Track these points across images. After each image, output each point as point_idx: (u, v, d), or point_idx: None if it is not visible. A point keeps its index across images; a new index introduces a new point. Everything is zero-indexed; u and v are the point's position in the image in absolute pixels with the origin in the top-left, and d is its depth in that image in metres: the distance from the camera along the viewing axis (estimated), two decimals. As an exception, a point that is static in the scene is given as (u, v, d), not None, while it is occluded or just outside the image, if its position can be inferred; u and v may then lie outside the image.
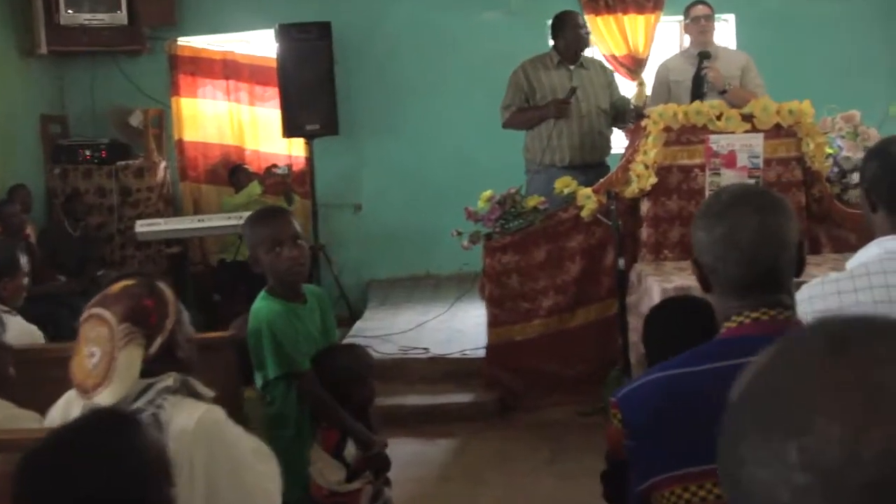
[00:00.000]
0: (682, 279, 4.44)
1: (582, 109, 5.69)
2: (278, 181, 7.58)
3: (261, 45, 8.18)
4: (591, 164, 5.71)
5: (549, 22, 7.85)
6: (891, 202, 2.12)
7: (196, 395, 2.09)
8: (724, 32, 8.18)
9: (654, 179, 4.87)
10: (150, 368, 2.09)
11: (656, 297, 4.32)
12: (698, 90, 5.48)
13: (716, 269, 1.68)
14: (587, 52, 6.22)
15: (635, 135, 5.16)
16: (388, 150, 8.03)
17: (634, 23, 7.93)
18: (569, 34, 5.78)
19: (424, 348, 5.68)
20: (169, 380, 2.07)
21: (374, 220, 8.08)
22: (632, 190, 4.96)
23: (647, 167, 4.89)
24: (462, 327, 6.09)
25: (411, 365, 5.41)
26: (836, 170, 5.12)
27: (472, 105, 7.86)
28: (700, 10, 5.65)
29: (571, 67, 5.80)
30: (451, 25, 7.93)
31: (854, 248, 2.37)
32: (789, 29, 7.85)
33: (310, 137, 7.62)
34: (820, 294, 2.09)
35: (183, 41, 7.95)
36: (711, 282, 1.71)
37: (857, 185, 4.87)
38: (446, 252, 6.76)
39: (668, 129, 4.88)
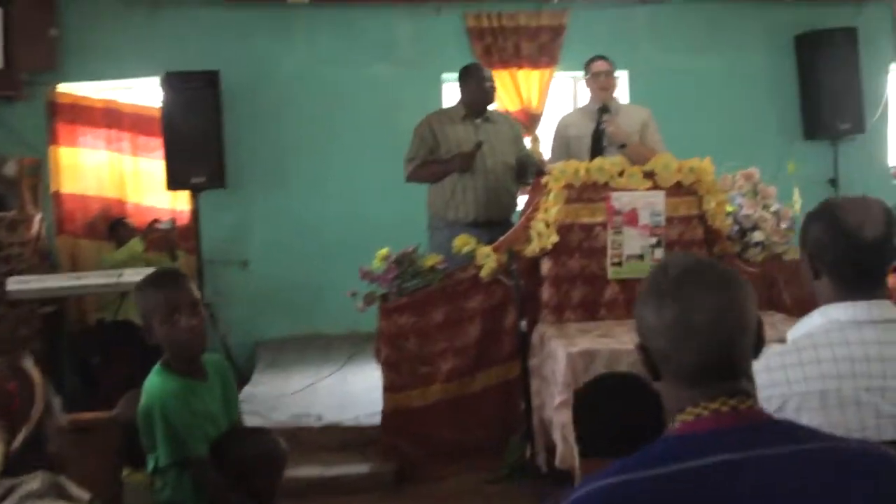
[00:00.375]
0: (588, 342, 4.30)
1: (488, 164, 5.57)
2: (161, 236, 7.22)
3: (145, 93, 7.84)
4: (496, 222, 5.56)
5: (442, 76, 7.86)
6: (836, 268, 2.00)
7: (68, 499, 1.80)
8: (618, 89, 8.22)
9: (555, 238, 4.75)
10: (13, 467, 1.80)
11: (561, 361, 4.17)
12: (598, 145, 5.42)
13: (668, 356, 1.50)
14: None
15: (535, 192, 5.03)
16: (278, 203, 7.76)
17: (528, 78, 7.89)
18: (473, 87, 5.66)
19: (317, 415, 5.40)
20: (35, 481, 1.78)
21: (262, 278, 7.77)
22: (532, 249, 4.83)
23: (547, 225, 4.76)
24: (355, 391, 5.83)
25: (303, 434, 5.11)
26: (736, 228, 5.09)
27: (364, 158, 7.69)
28: (600, 65, 5.61)
29: (477, 121, 5.68)
30: (342, 78, 7.75)
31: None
32: (682, 85, 7.92)
33: (195, 190, 7.30)
34: (764, 367, 1.94)
35: (63, 87, 7.55)
36: (661, 370, 1.53)
37: (757, 243, 4.86)
38: (337, 310, 6.50)
39: (569, 187, 4.77)
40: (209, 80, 7.21)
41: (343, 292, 5.14)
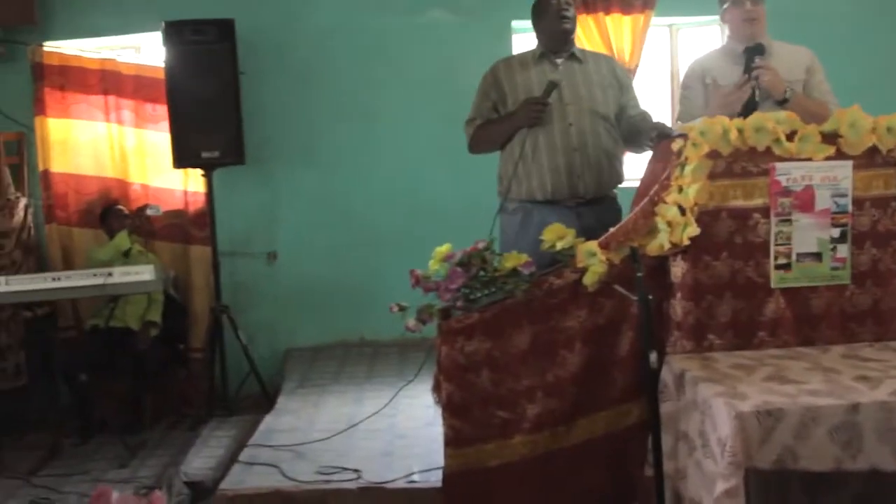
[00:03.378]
0: (760, 391, 2.81)
1: (569, 114, 4.15)
2: (143, 225, 5.87)
3: (151, 51, 6.48)
4: (589, 199, 4.16)
5: (513, 23, 6.38)
6: None
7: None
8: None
9: (694, 229, 3.25)
10: None
11: (724, 424, 2.70)
12: (749, 99, 3.92)
13: None
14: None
15: (661, 162, 3.52)
16: (310, 183, 6.34)
17: (618, 25, 6.37)
18: (549, 17, 4.25)
19: (355, 470, 3.98)
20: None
21: (293, 272, 6.37)
22: (658, 245, 3.34)
23: (683, 211, 3.27)
24: (408, 431, 4.42)
25: (335, 500, 3.71)
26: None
27: (418, 127, 6.24)
28: None
29: (559, 60, 4.27)
30: (389, 27, 6.30)
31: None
32: (828, 27, 6.27)
33: (208, 167, 5.91)
34: None
35: (49, 46, 6.17)
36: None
37: None
38: (386, 312, 5.07)
39: (714, 155, 3.26)
40: (222, 30, 5.79)
41: (395, 292, 3.75)
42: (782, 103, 3.90)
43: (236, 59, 5.83)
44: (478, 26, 6.23)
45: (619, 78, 4.34)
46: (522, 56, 4.40)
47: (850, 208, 3.33)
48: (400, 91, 6.32)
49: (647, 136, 3.93)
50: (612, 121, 4.21)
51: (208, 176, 5.93)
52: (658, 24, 6.70)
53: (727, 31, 4.23)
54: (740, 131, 3.24)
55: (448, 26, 6.33)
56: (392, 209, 6.30)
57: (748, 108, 3.86)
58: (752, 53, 3.98)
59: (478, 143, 4.30)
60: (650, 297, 3.08)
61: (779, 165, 3.28)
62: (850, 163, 3.32)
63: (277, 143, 6.28)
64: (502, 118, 4.22)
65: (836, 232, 3.33)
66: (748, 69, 3.95)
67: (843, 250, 3.34)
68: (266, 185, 6.33)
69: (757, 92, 3.94)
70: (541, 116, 4.05)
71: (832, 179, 3.31)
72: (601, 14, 6.33)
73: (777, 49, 4.10)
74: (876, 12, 6.51)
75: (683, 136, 3.34)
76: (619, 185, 4.27)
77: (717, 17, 6.67)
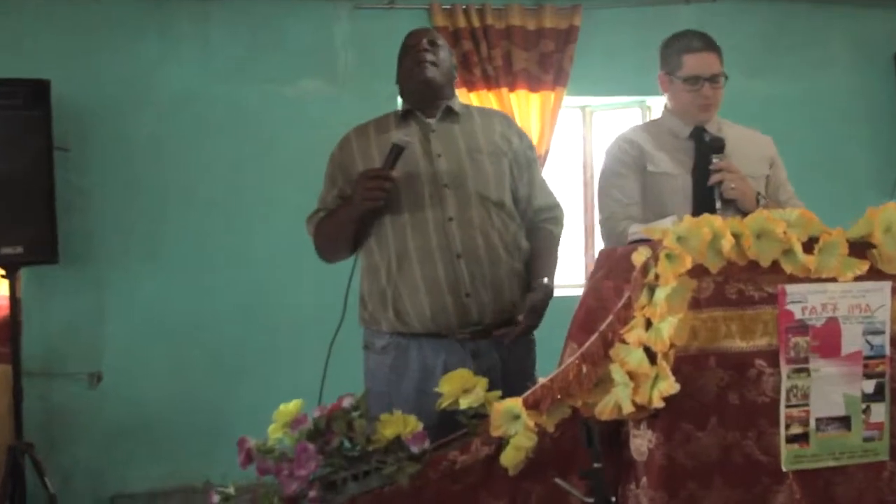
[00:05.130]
0: None
1: (448, 202, 2.95)
2: None
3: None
4: (487, 326, 2.95)
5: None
6: None
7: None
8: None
9: (670, 385, 2.13)
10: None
11: None
12: (703, 201, 2.91)
13: None
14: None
15: (612, 279, 2.41)
16: (146, 288, 5.08)
17: (526, 103, 5.38)
18: (406, 62, 3.08)
19: None
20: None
21: (122, 399, 5.05)
22: (614, 406, 2.20)
23: (652, 357, 2.16)
24: None
25: None
26: None
27: (283, 218, 4.98)
28: (706, 59, 3.09)
29: (430, 121, 3.07)
30: (250, 98, 5.19)
31: None
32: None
33: (10, 267, 4.62)
34: None
35: None
36: None
37: None
38: (234, 450, 3.82)
39: (699, 273, 2.17)
40: (34, 93, 4.57)
41: (248, 425, 2.60)
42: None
43: (51, 131, 4.61)
44: (359, 99, 5.14)
45: (516, 148, 3.13)
46: (382, 119, 3.16)
47: (887, 351, 2.28)
48: (262, 176, 5.17)
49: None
50: (512, 209, 3.07)
51: (11, 277, 4.64)
52: (570, 106, 5.75)
53: (668, 103, 3.23)
54: (737, 237, 2.16)
55: (322, 99, 5.24)
56: (248, 322, 5.10)
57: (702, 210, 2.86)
58: (709, 150, 3.00)
59: (322, 246, 3.11)
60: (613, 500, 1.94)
61: (790, 289, 2.21)
62: (888, 284, 2.28)
63: (104, 237, 5.02)
64: (342, 206, 3.04)
65: (869, 385, 2.27)
66: (702, 167, 2.96)
67: (880, 412, 2.27)
68: (89, 289, 5.04)
69: (718, 202, 2.93)
70: (381, 195, 2.86)
71: (864, 309, 2.26)
72: (504, 90, 5.34)
73: (733, 136, 3.12)
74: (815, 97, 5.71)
75: (645, 241, 2.26)
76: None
77: (639, 98, 5.86)
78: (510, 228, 3.03)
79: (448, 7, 5.26)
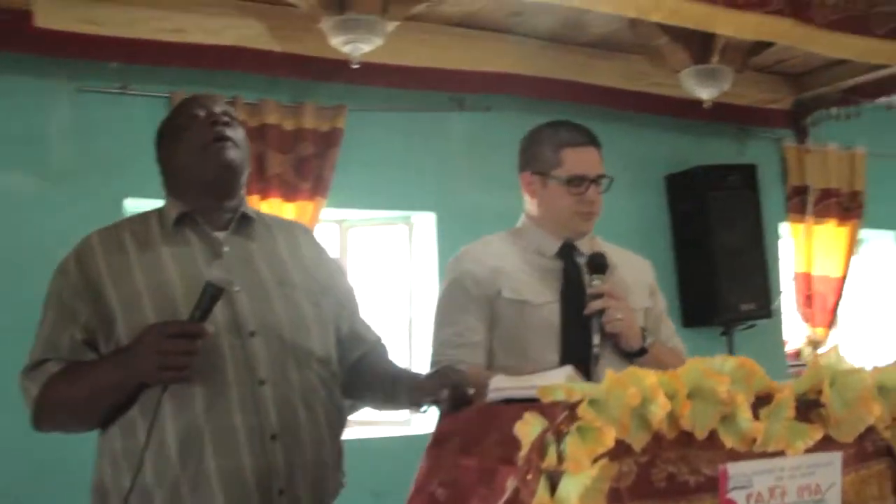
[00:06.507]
0: None
1: (258, 359, 2.06)
2: None
3: None
4: None
5: (125, 201, 4.38)
6: None
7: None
8: (423, 236, 5.18)
9: None
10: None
11: None
12: (576, 340, 2.30)
13: None
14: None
15: (474, 456, 1.67)
16: None
17: (279, 214, 4.63)
18: (193, 133, 2.18)
19: None
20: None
21: None
22: None
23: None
24: None
25: None
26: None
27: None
28: (590, 154, 2.55)
29: (219, 234, 2.19)
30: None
31: None
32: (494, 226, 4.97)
33: None
34: None
35: None
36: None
37: None
38: None
39: (621, 453, 1.49)
40: None
41: None
42: (635, 355, 2.32)
43: None
44: (76, 199, 4.18)
45: (333, 275, 2.35)
46: (138, 225, 2.21)
47: (841, 546, 1.70)
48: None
49: (420, 395, 1.99)
50: (336, 367, 2.24)
51: None
52: (327, 220, 5.06)
53: (534, 211, 2.60)
54: (671, 398, 1.51)
55: (30, 197, 4.23)
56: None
57: (572, 354, 2.25)
58: (593, 268, 2.40)
59: (51, 411, 2.07)
60: None
61: (733, 469, 1.58)
62: (838, 456, 1.70)
63: None
64: (103, 363, 2.04)
65: None
66: (573, 293, 2.35)
67: None
68: None
69: (595, 337, 2.32)
70: (189, 362, 1.94)
71: (814, 491, 1.67)
72: (256, 198, 4.57)
73: (613, 259, 2.52)
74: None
75: (534, 402, 1.57)
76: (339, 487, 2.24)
77: (404, 214, 5.26)
78: (334, 396, 2.20)
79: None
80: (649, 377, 1.49)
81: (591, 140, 2.57)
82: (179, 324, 1.94)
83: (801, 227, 5.88)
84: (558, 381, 1.58)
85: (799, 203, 5.89)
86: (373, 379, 2.25)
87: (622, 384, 1.46)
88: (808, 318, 5.87)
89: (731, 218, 5.35)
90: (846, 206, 5.96)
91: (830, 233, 5.90)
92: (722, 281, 5.24)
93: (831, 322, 5.91)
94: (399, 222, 5.26)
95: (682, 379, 1.53)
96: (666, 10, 3.82)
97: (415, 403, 2.00)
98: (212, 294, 1.93)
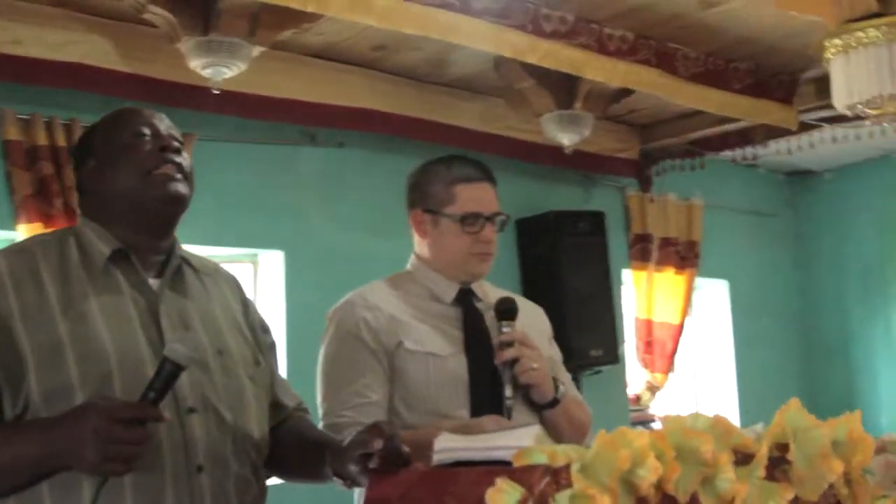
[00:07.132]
0: None
1: (196, 439, 1.74)
2: None
3: None
4: None
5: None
6: None
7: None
8: (270, 275, 4.91)
9: None
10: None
11: None
12: (485, 390, 2.14)
13: None
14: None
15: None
16: None
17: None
18: (140, 155, 1.84)
19: None
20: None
21: None
22: None
23: None
24: None
25: None
26: None
27: None
28: (485, 190, 2.39)
29: (152, 281, 1.84)
30: None
31: None
32: (355, 275, 4.80)
33: None
34: None
35: None
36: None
37: None
38: None
39: (603, 521, 1.35)
40: None
41: None
42: (546, 407, 2.18)
43: None
44: None
45: (260, 336, 2.03)
46: (54, 249, 1.82)
47: None
48: None
49: (353, 449, 1.69)
50: (265, 451, 1.94)
51: None
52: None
53: (425, 252, 2.42)
54: (659, 457, 1.37)
55: None
56: None
57: (480, 406, 2.11)
58: (501, 314, 2.25)
59: None
60: None
61: (712, 535, 1.46)
62: (806, 518, 1.61)
63: None
64: (24, 431, 1.65)
65: None
66: (478, 342, 2.20)
67: None
68: None
69: (508, 388, 2.16)
70: (140, 456, 1.60)
71: (787, 558, 1.57)
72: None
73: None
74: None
75: (495, 465, 1.40)
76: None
77: (250, 252, 4.98)
78: (261, 481, 1.92)
79: (26, 117, 4.07)
80: (640, 438, 1.35)
81: (486, 176, 2.42)
82: (134, 407, 1.60)
83: (643, 274, 5.98)
84: (527, 442, 1.42)
85: (640, 251, 6.00)
86: (294, 448, 1.98)
87: (613, 446, 1.32)
88: (648, 364, 5.95)
89: (580, 263, 5.36)
90: (683, 255, 6.11)
91: (669, 280, 6.03)
92: (572, 326, 5.20)
93: (669, 367, 6.02)
94: (245, 260, 4.99)
95: (667, 439, 1.39)
96: (541, 51, 3.78)
97: (341, 469, 1.75)
98: (170, 372, 1.63)
